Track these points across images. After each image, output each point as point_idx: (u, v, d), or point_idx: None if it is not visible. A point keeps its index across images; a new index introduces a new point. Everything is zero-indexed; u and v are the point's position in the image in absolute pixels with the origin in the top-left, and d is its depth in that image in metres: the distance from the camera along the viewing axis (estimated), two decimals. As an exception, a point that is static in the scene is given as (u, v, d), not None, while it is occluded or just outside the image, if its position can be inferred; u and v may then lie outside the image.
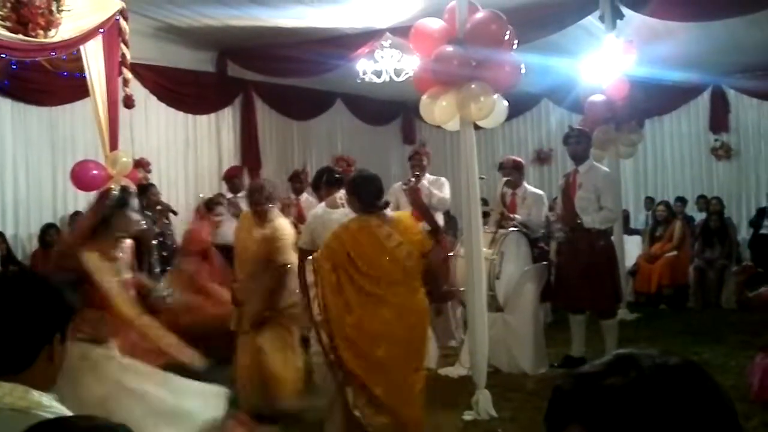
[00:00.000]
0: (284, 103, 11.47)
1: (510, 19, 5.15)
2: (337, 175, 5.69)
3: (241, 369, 5.21)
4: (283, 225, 5.34)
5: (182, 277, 5.86)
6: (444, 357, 6.71)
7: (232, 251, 5.67)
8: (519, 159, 7.55)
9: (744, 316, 8.17)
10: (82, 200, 7.01)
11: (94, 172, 6.18)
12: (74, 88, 7.15)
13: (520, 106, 11.99)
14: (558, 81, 10.86)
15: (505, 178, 7.15)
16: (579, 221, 6.38)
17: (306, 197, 8.26)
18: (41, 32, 5.35)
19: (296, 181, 8.37)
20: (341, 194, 5.05)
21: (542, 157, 13.58)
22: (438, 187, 7.00)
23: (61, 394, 1.81)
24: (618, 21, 8.05)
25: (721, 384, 0.98)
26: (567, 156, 7.27)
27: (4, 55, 5.69)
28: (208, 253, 6.20)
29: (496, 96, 5.17)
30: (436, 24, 5.31)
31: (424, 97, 5.29)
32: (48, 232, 7.69)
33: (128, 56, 6.25)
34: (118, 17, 6.14)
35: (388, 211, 4.50)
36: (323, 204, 5.47)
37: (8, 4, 5.14)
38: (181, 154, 9.88)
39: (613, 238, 6.82)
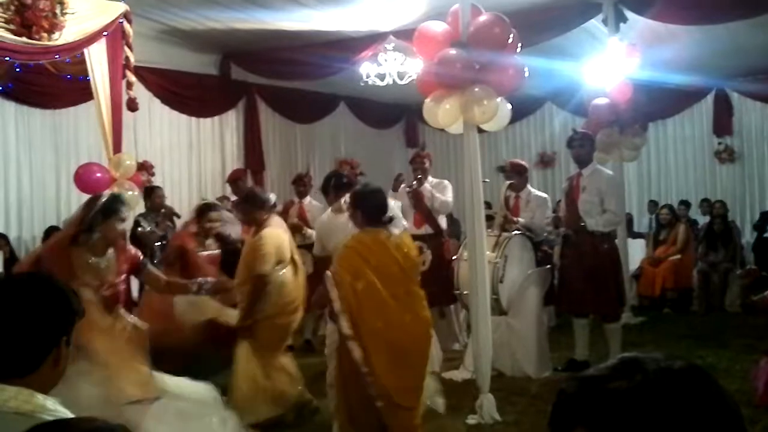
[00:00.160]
0: (287, 106, 11.49)
1: (513, 22, 5.14)
2: (344, 180, 5.77)
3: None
4: (268, 235, 5.21)
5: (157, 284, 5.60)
6: (447, 360, 6.69)
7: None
8: (521, 162, 7.54)
9: (748, 320, 8.14)
10: (86, 203, 7.02)
11: (98, 174, 6.18)
12: (78, 91, 7.18)
13: (523, 109, 11.99)
14: (561, 84, 10.87)
15: (508, 181, 7.16)
16: (582, 224, 6.37)
17: (309, 200, 8.26)
18: (45, 35, 5.36)
19: (300, 185, 8.37)
20: (347, 197, 5.06)
21: (546, 161, 13.59)
22: (440, 191, 7.00)
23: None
24: (621, 24, 8.06)
25: (725, 388, 0.98)
26: (570, 159, 7.26)
27: (8, 58, 5.71)
28: (187, 261, 5.62)
29: (499, 99, 5.17)
30: (439, 27, 5.31)
31: (427, 100, 5.29)
32: (51, 234, 7.70)
33: (132, 59, 6.26)
34: (121, 20, 6.14)
35: (392, 228, 4.49)
36: (329, 210, 5.56)
37: (12, 7, 5.16)
38: (185, 156, 9.90)
39: (617, 241, 6.81)
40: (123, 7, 6.15)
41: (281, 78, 10.56)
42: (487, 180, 6.44)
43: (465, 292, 6.07)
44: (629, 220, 10.38)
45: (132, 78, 6.34)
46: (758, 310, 7.44)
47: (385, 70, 9.22)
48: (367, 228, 4.36)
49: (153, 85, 9.13)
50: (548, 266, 6.99)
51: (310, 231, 7.69)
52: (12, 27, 5.19)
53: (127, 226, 5.37)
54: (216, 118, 10.39)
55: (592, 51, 8.59)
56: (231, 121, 10.63)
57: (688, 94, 11.95)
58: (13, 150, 7.95)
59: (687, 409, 0.93)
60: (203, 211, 5.73)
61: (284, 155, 11.54)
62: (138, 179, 6.57)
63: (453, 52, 5.08)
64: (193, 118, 10.03)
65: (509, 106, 5.39)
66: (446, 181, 7.16)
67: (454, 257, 6.75)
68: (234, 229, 6.43)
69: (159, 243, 7.49)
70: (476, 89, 5.05)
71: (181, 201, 9.25)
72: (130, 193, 6.24)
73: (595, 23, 8.18)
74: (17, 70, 6.88)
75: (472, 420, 5.19)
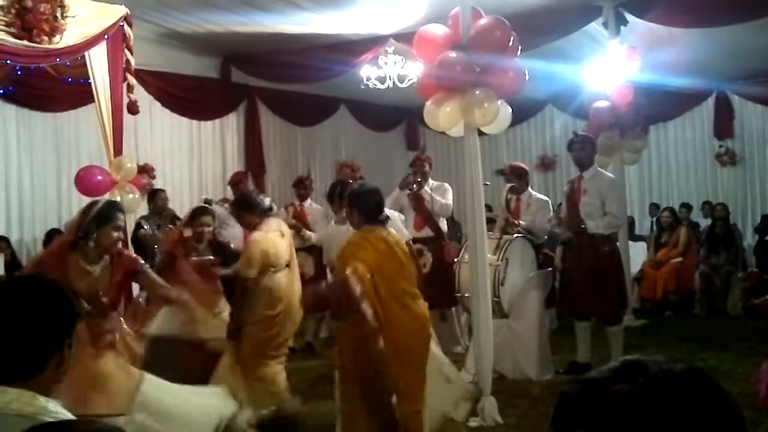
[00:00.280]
0: (288, 109, 11.49)
1: (514, 25, 5.15)
2: None
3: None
4: (255, 239, 5.07)
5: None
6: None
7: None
8: (521, 165, 7.53)
9: (750, 323, 8.14)
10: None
11: (99, 177, 6.19)
12: (79, 94, 7.18)
13: (524, 112, 11.97)
14: (562, 87, 10.87)
15: (509, 184, 7.16)
16: (583, 226, 6.37)
17: (310, 203, 8.26)
18: (46, 38, 5.38)
19: (300, 187, 8.37)
20: None
21: (546, 163, 13.57)
22: (441, 194, 7.01)
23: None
24: (622, 27, 8.07)
25: (727, 391, 0.97)
26: (571, 162, 7.26)
27: (8, 61, 5.71)
28: (174, 265, 5.43)
29: (500, 102, 5.16)
30: (439, 30, 5.31)
31: (428, 103, 5.29)
32: (52, 236, 7.70)
33: (132, 62, 6.27)
34: (122, 23, 6.16)
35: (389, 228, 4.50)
36: (332, 222, 5.63)
37: (13, 11, 5.17)
38: (186, 159, 9.90)
39: (618, 244, 6.81)
40: (123, 11, 6.17)
41: (282, 81, 10.56)
42: (487, 183, 6.45)
43: (466, 295, 6.07)
44: (630, 223, 10.37)
45: (132, 81, 6.35)
46: (760, 313, 7.46)
47: (385, 73, 9.24)
48: (365, 227, 4.36)
49: (153, 88, 9.14)
50: (549, 269, 6.99)
51: (309, 233, 7.70)
52: (13, 30, 5.21)
53: (129, 228, 5.34)
54: (217, 121, 10.39)
55: (592, 54, 8.60)
56: (232, 124, 10.64)
57: (688, 97, 11.94)
58: (15, 153, 7.95)
59: (689, 411, 0.92)
60: (196, 215, 5.64)
61: (285, 158, 11.54)
62: (139, 182, 6.58)
63: (453, 55, 5.08)
64: (194, 121, 10.04)
65: (510, 109, 5.38)
66: (446, 184, 7.16)
67: (455, 260, 6.75)
68: (233, 232, 6.41)
69: (158, 246, 7.49)
70: (477, 92, 5.05)
71: (182, 204, 9.24)
72: (130, 196, 6.26)
73: (595, 26, 8.19)
74: (18, 73, 6.89)
75: (473, 422, 5.17)
